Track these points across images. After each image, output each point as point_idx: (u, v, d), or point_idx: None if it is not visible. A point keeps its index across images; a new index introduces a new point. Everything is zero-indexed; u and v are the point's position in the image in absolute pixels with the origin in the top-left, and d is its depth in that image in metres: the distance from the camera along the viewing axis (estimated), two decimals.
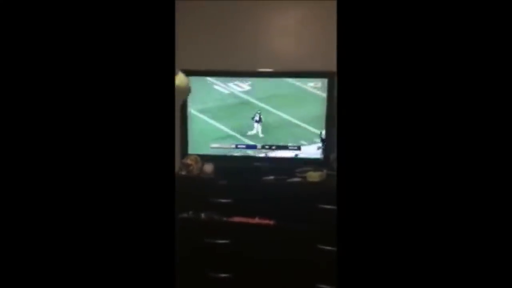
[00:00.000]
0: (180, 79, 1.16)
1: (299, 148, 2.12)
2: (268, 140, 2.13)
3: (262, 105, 2.11)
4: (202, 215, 2.00)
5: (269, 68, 2.13)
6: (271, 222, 1.92)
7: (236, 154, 2.15)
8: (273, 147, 2.12)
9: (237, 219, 1.97)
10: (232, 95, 2.13)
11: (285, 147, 2.12)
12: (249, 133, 2.13)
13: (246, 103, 2.12)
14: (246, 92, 2.13)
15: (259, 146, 2.13)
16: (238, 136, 2.14)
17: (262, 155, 2.14)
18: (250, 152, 2.14)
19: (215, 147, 2.16)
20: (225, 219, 1.98)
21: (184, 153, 2.14)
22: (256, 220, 1.94)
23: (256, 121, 2.12)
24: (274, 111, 2.11)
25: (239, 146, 2.15)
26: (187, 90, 1.28)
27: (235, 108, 2.12)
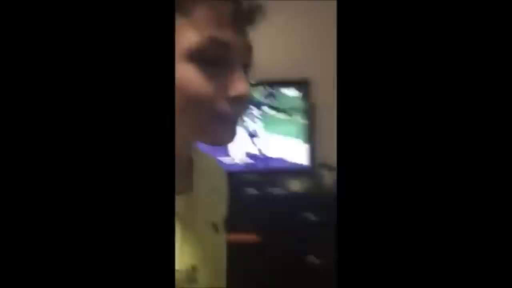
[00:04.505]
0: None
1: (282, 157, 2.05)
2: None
3: None
4: None
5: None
6: (256, 237, 1.84)
7: None
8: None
9: None
10: None
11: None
12: None
13: None
14: None
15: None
16: None
17: (242, 165, 2.04)
18: (229, 161, 2.04)
19: None
20: None
21: None
22: (240, 236, 1.85)
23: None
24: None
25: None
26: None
27: None
